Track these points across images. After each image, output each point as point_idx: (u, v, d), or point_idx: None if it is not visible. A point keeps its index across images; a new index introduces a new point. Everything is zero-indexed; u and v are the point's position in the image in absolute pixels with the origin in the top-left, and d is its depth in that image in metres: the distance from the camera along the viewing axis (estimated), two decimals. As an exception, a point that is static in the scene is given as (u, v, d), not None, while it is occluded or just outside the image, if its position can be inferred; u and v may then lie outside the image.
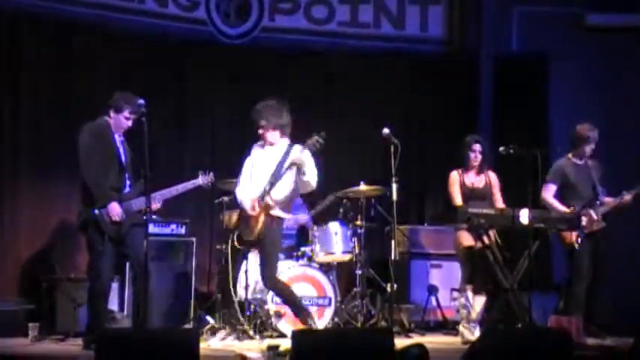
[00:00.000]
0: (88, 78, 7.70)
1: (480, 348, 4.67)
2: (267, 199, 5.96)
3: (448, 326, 7.31)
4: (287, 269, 6.81)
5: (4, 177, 7.38)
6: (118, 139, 5.95)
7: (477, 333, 6.38)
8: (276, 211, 6.03)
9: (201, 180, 6.37)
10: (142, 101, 5.55)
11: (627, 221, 7.02)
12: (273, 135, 6.13)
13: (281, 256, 7.25)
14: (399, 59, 8.77)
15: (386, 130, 6.63)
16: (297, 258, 7.11)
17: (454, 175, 6.76)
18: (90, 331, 5.72)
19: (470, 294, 6.53)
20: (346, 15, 8.76)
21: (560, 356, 4.57)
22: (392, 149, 6.54)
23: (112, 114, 5.92)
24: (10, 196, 7.37)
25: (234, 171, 6.85)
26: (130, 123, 5.91)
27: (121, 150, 5.94)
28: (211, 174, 6.45)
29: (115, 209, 5.73)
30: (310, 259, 7.04)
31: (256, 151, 6.22)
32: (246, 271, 6.75)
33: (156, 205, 5.91)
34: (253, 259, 7.00)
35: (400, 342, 5.13)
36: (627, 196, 6.70)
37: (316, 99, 8.45)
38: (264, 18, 8.53)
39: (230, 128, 8.23)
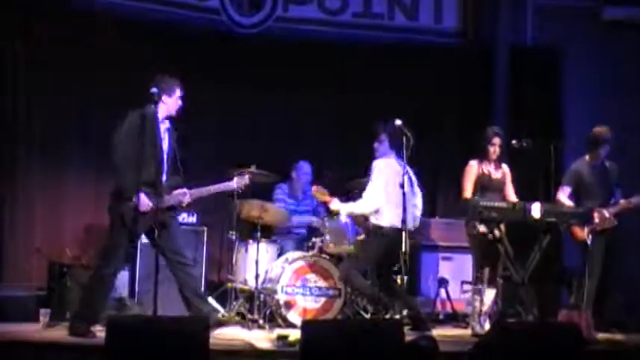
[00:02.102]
0: (99, 68, 7.72)
1: (489, 341, 4.66)
2: None
3: (458, 319, 7.31)
4: (297, 260, 6.82)
5: (18, 164, 7.44)
6: (163, 127, 5.86)
7: (487, 326, 6.37)
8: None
9: (236, 184, 6.28)
10: (154, 89, 5.54)
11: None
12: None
13: (291, 246, 7.30)
14: (413, 51, 8.73)
15: (398, 122, 6.61)
16: (308, 249, 7.11)
17: (472, 166, 6.70)
18: (81, 316, 5.72)
19: (483, 287, 6.51)
20: (360, 6, 8.73)
21: (570, 351, 4.56)
22: (404, 141, 6.53)
23: (164, 98, 5.80)
24: (22, 183, 7.44)
25: (245, 160, 6.86)
26: (180, 102, 5.90)
27: (165, 140, 5.85)
28: (246, 177, 6.37)
29: (143, 200, 5.63)
30: (321, 249, 7.05)
31: None
32: (256, 261, 6.76)
33: (187, 200, 5.89)
34: (264, 248, 7.03)
35: (410, 334, 5.13)
36: (636, 200, 6.69)
37: (328, 90, 8.44)
38: (277, 8, 8.51)
39: (241, 117, 8.23)
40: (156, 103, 5.56)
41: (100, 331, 5.55)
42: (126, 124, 5.70)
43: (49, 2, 7.56)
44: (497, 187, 6.70)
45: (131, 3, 7.95)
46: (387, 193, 6.39)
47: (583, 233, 6.52)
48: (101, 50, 7.74)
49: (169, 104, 5.86)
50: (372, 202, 6.44)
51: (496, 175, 6.73)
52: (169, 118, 5.91)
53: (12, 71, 7.44)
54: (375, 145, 6.64)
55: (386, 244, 6.38)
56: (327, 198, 6.60)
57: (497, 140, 6.69)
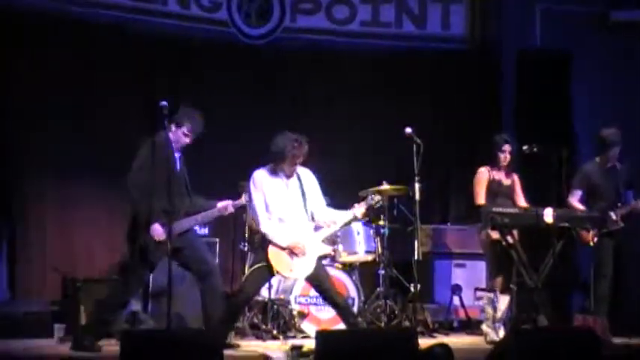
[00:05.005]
0: (110, 81, 7.76)
1: (504, 348, 4.64)
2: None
3: (472, 326, 7.28)
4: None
5: (30, 178, 7.47)
6: (177, 155, 5.85)
7: (502, 333, 6.35)
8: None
9: (245, 199, 6.01)
10: (164, 103, 5.55)
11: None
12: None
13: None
14: (421, 58, 8.74)
15: (408, 130, 6.60)
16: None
17: (483, 172, 6.71)
18: (90, 331, 5.75)
19: (497, 293, 6.49)
20: (368, 15, 8.75)
21: (587, 356, 4.53)
22: (414, 148, 6.52)
23: (173, 128, 5.79)
24: (35, 198, 7.47)
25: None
26: (187, 140, 5.83)
27: (177, 167, 5.84)
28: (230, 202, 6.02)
29: (157, 230, 5.64)
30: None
31: (272, 182, 5.88)
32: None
33: (198, 224, 5.99)
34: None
35: (424, 342, 5.11)
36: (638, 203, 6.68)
37: (338, 99, 8.45)
38: (285, 19, 8.54)
39: (252, 128, 8.24)
40: (165, 120, 5.54)
41: (113, 345, 5.57)
42: (138, 154, 5.72)
43: (56, 15, 7.60)
44: (507, 194, 6.70)
45: (141, 17, 8.00)
46: None
47: (588, 236, 6.50)
48: (111, 65, 7.78)
49: (174, 134, 5.80)
50: None
51: (506, 182, 6.73)
52: (180, 149, 5.88)
53: (20, 94, 7.45)
54: None
55: None
56: None
57: (507, 147, 6.69)
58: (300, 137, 5.81)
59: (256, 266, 5.83)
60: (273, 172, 5.86)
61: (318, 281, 5.87)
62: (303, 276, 5.87)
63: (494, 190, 6.66)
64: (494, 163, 6.72)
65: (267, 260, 5.75)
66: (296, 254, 5.77)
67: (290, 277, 5.93)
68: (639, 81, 8.41)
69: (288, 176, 5.86)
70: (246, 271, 6.11)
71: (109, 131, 7.76)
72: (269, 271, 5.79)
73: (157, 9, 8.10)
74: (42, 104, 7.54)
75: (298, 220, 5.85)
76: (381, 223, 7.19)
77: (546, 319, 6.30)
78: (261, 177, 5.87)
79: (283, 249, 5.76)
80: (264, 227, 5.80)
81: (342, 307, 5.82)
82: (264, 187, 5.84)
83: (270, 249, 5.77)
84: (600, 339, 5.12)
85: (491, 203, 6.52)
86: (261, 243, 5.89)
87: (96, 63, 7.75)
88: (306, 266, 5.80)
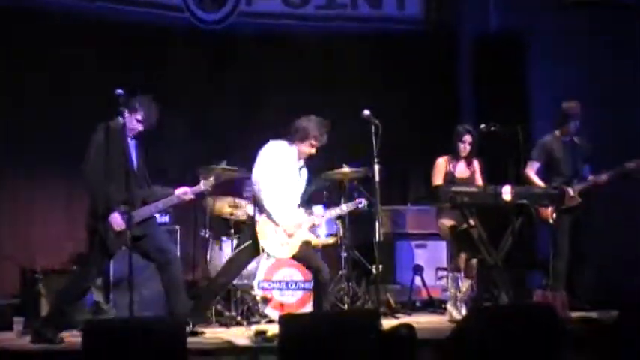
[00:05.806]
0: (63, 68, 7.64)
1: (466, 326, 4.69)
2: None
3: (434, 305, 7.36)
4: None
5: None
6: (131, 142, 5.75)
7: (464, 311, 6.41)
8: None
9: (203, 186, 6.00)
10: (120, 91, 5.47)
11: (611, 197, 7.08)
12: None
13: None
14: (377, 40, 8.74)
15: (366, 112, 6.59)
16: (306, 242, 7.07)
17: (440, 163, 6.74)
18: (50, 323, 5.68)
19: (459, 273, 6.54)
20: (323, -4, 8.73)
21: (546, 331, 4.60)
22: (373, 130, 6.53)
23: (126, 114, 5.64)
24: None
25: (216, 156, 6.82)
26: (140, 127, 5.72)
27: (134, 155, 5.75)
28: (212, 178, 6.05)
29: (116, 220, 5.57)
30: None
31: (288, 156, 5.87)
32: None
33: (156, 212, 5.93)
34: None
35: (387, 323, 5.14)
36: (603, 177, 6.76)
37: (295, 82, 8.42)
38: (240, 3, 8.48)
39: (209, 114, 8.20)
40: (120, 110, 5.48)
41: (76, 336, 5.52)
42: (93, 140, 5.63)
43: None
44: (465, 185, 6.72)
45: (90, 4, 7.88)
46: None
47: (547, 212, 6.58)
48: (64, 51, 7.65)
49: (128, 120, 5.69)
50: None
51: (464, 174, 6.75)
52: (136, 135, 5.78)
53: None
54: None
55: None
56: None
57: (468, 138, 6.71)
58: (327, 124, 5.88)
59: (241, 247, 5.85)
60: (289, 148, 5.88)
61: (306, 259, 5.98)
62: (287, 255, 5.94)
63: (450, 181, 6.67)
64: (453, 154, 6.75)
65: (254, 237, 5.75)
66: (289, 235, 5.82)
67: (275, 255, 5.99)
68: (596, 60, 8.50)
69: (297, 160, 5.91)
70: (231, 254, 6.17)
71: (63, 117, 7.65)
72: (255, 250, 5.80)
73: (107, -5, 8.00)
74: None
75: (295, 202, 5.94)
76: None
77: (507, 296, 6.38)
78: (280, 147, 5.85)
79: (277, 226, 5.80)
80: (272, 206, 5.75)
81: (322, 285, 5.90)
82: (282, 159, 5.82)
83: (260, 225, 5.78)
84: (559, 314, 5.21)
85: (446, 185, 6.56)
86: (250, 219, 5.93)
87: (47, 49, 7.62)
88: (291, 247, 5.87)
